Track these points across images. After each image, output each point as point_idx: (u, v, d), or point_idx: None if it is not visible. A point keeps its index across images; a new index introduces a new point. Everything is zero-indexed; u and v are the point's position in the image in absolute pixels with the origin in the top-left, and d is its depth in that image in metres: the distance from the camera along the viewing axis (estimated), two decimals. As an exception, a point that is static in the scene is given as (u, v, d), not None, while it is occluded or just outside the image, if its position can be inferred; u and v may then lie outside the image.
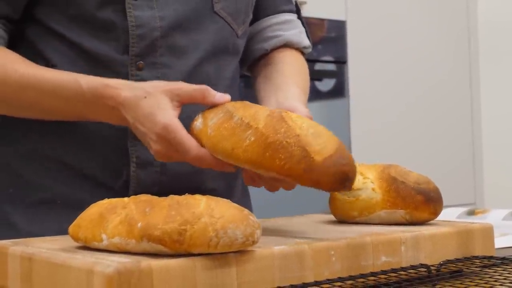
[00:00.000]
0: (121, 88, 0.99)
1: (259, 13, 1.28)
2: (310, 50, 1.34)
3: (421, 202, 0.95)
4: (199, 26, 1.15)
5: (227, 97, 0.95)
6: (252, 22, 1.28)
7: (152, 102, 0.96)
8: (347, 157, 0.83)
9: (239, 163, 0.86)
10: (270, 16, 1.30)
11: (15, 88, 1.05)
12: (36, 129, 1.14)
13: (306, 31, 1.34)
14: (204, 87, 0.97)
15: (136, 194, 1.07)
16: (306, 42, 1.32)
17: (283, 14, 1.31)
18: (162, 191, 1.04)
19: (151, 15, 1.10)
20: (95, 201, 0.83)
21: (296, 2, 1.34)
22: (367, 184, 0.97)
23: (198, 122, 0.94)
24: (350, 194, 0.98)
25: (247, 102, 0.92)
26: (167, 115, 0.94)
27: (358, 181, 0.98)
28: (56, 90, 1.04)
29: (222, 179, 1.23)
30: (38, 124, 1.13)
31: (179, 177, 1.14)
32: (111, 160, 1.12)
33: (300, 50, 1.32)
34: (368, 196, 0.97)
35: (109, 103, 1.00)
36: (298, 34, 1.31)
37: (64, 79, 1.04)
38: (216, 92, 0.96)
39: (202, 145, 0.92)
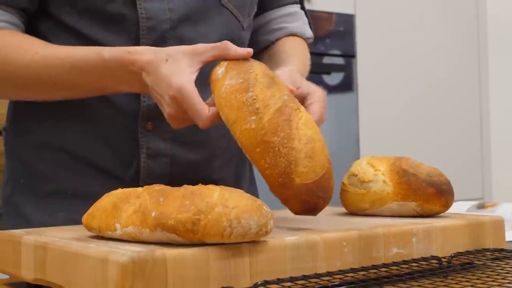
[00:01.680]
0: (143, 52, 0.98)
1: (265, 6, 1.30)
2: (312, 40, 1.36)
3: (432, 195, 0.95)
4: (207, 19, 1.15)
5: (249, 50, 0.93)
6: (257, 15, 1.30)
7: (171, 65, 0.95)
8: (325, 189, 0.83)
9: (234, 136, 0.86)
10: (276, 9, 1.33)
11: (37, 69, 1.05)
12: (47, 121, 1.15)
13: (309, 21, 1.38)
14: (225, 41, 0.95)
15: (146, 184, 1.08)
16: (309, 33, 1.35)
17: (288, 6, 1.34)
18: (171, 182, 1.05)
19: (161, 7, 1.11)
20: (105, 192, 0.83)
21: None
22: (378, 176, 0.98)
23: (219, 71, 0.91)
24: (361, 186, 0.98)
25: (272, 76, 0.90)
26: (183, 79, 0.93)
27: (369, 173, 0.98)
28: (78, 65, 1.03)
29: (230, 169, 1.24)
30: (49, 116, 1.14)
31: (188, 167, 1.15)
32: (121, 151, 1.13)
33: (303, 39, 1.34)
34: (379, 188, 0.97)
35: (133, 69, 0.98)
36: (301, 25, 1.34)
37: (85, 54, 1.03)
38: (237, 46, 0.94)
39: (212, 92, 0.91)
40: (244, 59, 0.92)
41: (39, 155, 1.16)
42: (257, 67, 0.90)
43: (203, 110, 0.92)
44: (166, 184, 0.85)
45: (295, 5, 1.36)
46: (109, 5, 1.09)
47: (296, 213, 0.83)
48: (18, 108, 1.19)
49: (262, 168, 0.82)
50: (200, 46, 0.96)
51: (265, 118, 0.83)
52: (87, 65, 1.03)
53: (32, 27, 1.15)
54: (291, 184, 0.81)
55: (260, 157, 0.82)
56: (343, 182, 1.02)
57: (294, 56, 1.24)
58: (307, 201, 0.81)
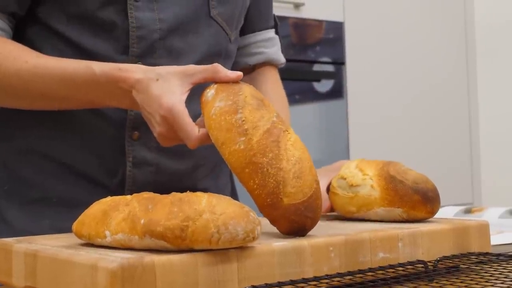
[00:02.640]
0: (134, 70, 1.00)
1: (245, 28, 1.34)
2: (284, 65, 1.43)
3: (418, 202, 0.96)
4: (196, 30, 1.17)
5: (239, 73, 0.95)
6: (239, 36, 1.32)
7: (162, 85, 0.96)
8: (314, 209, 0.84)
9: (223, 157, 0.87)
10: (255, 33, 1.37)
11: (27, 79, 1.06)
12: (33, 127, 1.15)
13: (281, 46, 1.43)
14: (215, 64, 0.97)
15: (131, 193, 1.09)
16: (283, 59, 1.41)
17: (266, 31, 1.38)
18: (156, 191, 1.06)
19: (151, 17, 1.12)
20: (90, 200, 0.85)
21: (274, 16, 1.42)
22: (366, 180, 0.99)
23: (209, 93, 0.93)
24: (349, 190, 0.99)
25: (261, 99, 0.91)
26: (174, 99, 0.95)
27: (358, 177, 0.99)
28: (68, 78, 1.04)
29: (213, 179, 1.26)
30: (35, 122, 1.15)
31: (173, 177, 1.16)
32: (107, 159, 1.13)
33: (277, 65, 1.41)
34: (367, 193, 0.98)
35: (123, 86, 1.00)
36: (277, 51, 1.40)
37: (75, 67, 1.04)
38: (226, 69, 0.96)
39: (202, 114, 0.93)
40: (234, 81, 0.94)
41: (24, 162, 1.16)
42: (246, 89, 0.92)
43: (193, 131, 0.93)
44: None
45: (272, 29, 1.40)
46: (100, 12, 1.10)
47: (284, 233, 0.84)
48: (2, 114, 1.20)
49: (251, 188, 0.83)
50: (191, 68, 0.98)
51: (254, 139, 0.84)
52: (77, 78, 1.04)
53: (18, 31, 1.15)
54: (280, 204, 0.82)
55: (248, 177, 0.83)
56: (332, 185, 1.03)
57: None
58: (295, 221, 0.82)
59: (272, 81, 1.37)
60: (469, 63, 3.71)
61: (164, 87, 0.96)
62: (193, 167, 1.19)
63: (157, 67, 0.99)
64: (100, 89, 1.03)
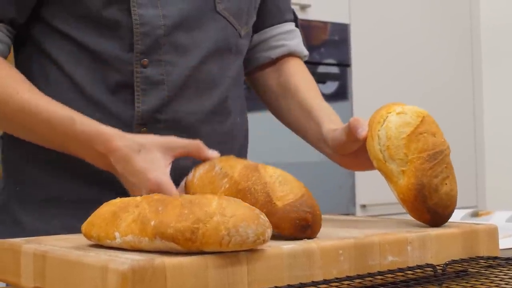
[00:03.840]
0: (114, 138, 1.02)
1: (264, 22, 1.33)
2: (307, 58, 1.42)
3: (425, 219, 0.95)
4: (201, 25, 1.17)
5: (217, 153, 1.02)
6: (256, 31, 1.32)
7: (146, 157, 1.00)
8: (310, 205, 0.86)
9: None
10: (274, 26, 1.36)
11: (14, 109, 1.08)
12: None
13: (302, 39, 1.42)
14: (197, 142, 1.02)
15: None
16: (306, 51, 1.40)
17: (285, 24, 1.38)
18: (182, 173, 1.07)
19: (155, 13, 1.12)
20: (100, 200, 0.85)
21: (293, 10, 1.41)
22: (403, 161, 0.95)
23: (190, 175, 0.99)
24: (383, 150, 0.96)
25: (232, 157, 1.00)
26: (160, 173, 0.98)
27: (399, 154, 0.95)
28: (51, 122, 1.06)
29: None
30: None
31: (181, 174, 1.15)
32: None
33: (301, 57, 1.40)
34: (395, 170, 0.95)
35: (100, 149, 1.03)
36: (299, 43, 1.39)
37: (59, 114, 1.06)
38: (207, 148, 1.02)
39: (190, 194, 0.97)
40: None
41: (33, 164, 1.16)
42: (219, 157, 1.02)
43: None
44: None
45: (292, 22, 1.39)
46: (104, 11, 1.11)
47: (290, 234, 0.84)
48: None
49: None
50: (173, 141, 1.03)
51: (235, 174, 0.90)
52: (59, 127, 1.06)
53: (25, 32, 1.16)
54: (275, 209, 0.84)
55: None
56: (374, 126, 0.99)
57: (318, 99, 1.31)
58: (295, 218, 0.84)
59: (300, 72, 1.36)
60: (474, 65, 3.71)
61: (147, 160, 0.99)
62: None
63: (138, 137, 1.03)
64: (78, 144, 1.05)
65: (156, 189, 0.97)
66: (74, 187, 1.14)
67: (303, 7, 3.02)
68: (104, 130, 1.04)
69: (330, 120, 1.21)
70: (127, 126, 1.12)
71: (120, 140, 1.02)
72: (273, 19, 1.36)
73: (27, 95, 1.07)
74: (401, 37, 3.41)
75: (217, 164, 0.96)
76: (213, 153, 1.02)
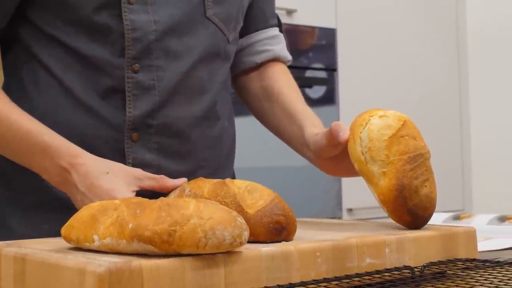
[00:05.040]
0: (84, 156, 1.05)
1: (249, 27, 1.34)
2: (290, 63, 1.43)
3: (405, 221, 0.96)
4: (192, 31, 1.18)
5: (183, 179, 1.04)
6: (242, 36, 1.33)
7: (112, 179, 1.01)
8: (281, 208, 0.87)
9: None
10: (260, 31, 1.37)
11: None
12: None
13: (286, 44, 1.43)
14: (160, 176, 1.05)
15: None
16: (289, 56, 1.41)
17: (271, 29, 1.39)
18: (156, 193, 1.07)
19: (146, 19, 1.13)
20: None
21: (277, 15, 1.42)
22: (384, 162, 0.95)
23: None
24: (365, 151, 0.97)
25: (200, 178, 1.00)
26: (126, 194, 1.00)
27: (380, 155, 0.96)
28: (20, 131, 1.07)
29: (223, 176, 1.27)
30: None
31: (175, 177, 1.16)
32: None
33: (285, 62, 1.41)
34: (376, 171, 0.96)
35: (63, 164, 1.04)
36: (283, 49, 1.40)
37: (30, 125, 1.08)
38: (171, 179, 1.05)
39: None
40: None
41: (23, 167, 1.16)
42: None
43: None
44: (150, 195, 0.87)
45: (276, 28, 1.40)
46: (95, 16, 1.11)
47: (266, 239, 0.85)
48: None
49: None
50: (139, 173, 1.05)
51: (204, 192, 0.93)
52: (27, 135, 1.07)
53: (14, 35, 1.16)
54: (247, 217, 0.85)
55: None
56: (355, 129, 1.00)
57: (301, 103, 1.31)
58: (268, 222, 0.85)
59: (284, 77, 1.37)
60: (461, 70, 3.73)
61: (113, 182, 1.01)
62: (194, 168, 1.20)
63: (108, 161, 1.05)
64: (41, 156, 1.06)
65: None
66: (64, 192, 1.14)
67: (290, 12, 3.03)
68: (75, 147, 1.06)
69: (312, 124, 1.22)
70: (118, 131, 1.13)
71: (89, 159, 1.04)
72: (258, 24, 1.37)
73: (1, 105, 1.08)
74: (388, 42, 3.42)
75: (186, 187, 0.99)
76: (179, 180, 1.04)
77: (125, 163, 1.13)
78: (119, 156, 1.13)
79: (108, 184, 1.00)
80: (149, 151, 1.14)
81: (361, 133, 0.98)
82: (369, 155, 0.96)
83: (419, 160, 0.96)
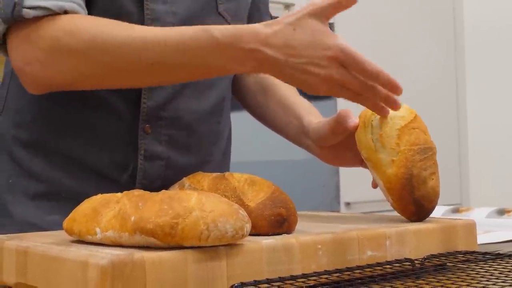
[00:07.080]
0: (259, 28, 0.96)
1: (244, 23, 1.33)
2: None
3: (409, 211, 0.96)
4: (204, 25, 1.17)
5: None
6: None
7: (306, 30, 0.95)
8: (282, 200, 0.88)
9: None
10: None
11: (138, 46, 0.99)
12: (42, 120, 1.14)
13: None
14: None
15: (142, 186, 1.10)
16: None
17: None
18: (165, 184, 1.07)
19: (165, 9, 1.12)
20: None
21: (270, 14, 1.42)
22: (395, 151, 0.96)
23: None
24: (375, 139, 0.98)
25: (200, 172, 1.01)
26: (332, 37, 0.96)
27: (391, 142, 0.97)
28: (184, 43, 0.98)
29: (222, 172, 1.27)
30: (44, 115, 1.14)
31: (181, 171, 1.16)
32: (118, 154, 1.13)
33: None
34: (385, 159, 0.96)
35: (249, 46, 0.95)
36: None
37: (190, 32, 0.98)
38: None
39: None
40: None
41: (31, 155, 1.15)
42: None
43: (368, 60, 0.99)
44: (160, 187, 0.87)
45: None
46: (118, 1, 1.10)
47: (267, 232, 0.86)
48: (10, 106, 1.18)
49: None
50: (316, 6, 0.97)
51: (205, 187, 0.94)
52: (193, 43, 0.97)
53: None
54: (249, 210, 0.85)
55: None
56: (365, 116, 1.01)
57: (297, 96, 1.30)
58: (270, 215, 0.86)
59: None
60: (458, 66, 3.73)
61: (308, 33, 0.95)
62: (201, 162, 1.20)
63: (280, 19, 0.96)
64: (221, 51, 0.97)
65: (340, 54, 0.95)
66: (72, 181, 1.13)
67: (287, 6, 3.03)
68: (244, 26, 0.97)
69: (310, 113, 1.22)
70: (131, 122, 1.12)
71: (266, 27, 0.95)
72: (252, 20, 1.36)
73: (141, 29, 1.01)
74: (386, 37, 3.42)
75: (186, 182, 0.99)
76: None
77: (136, 156, 1.13)
78: (131, 148, 1.13)
79: (306, 36, 0.94)
80: (160, 143, 1.14)
81: (372, 120, 1.00)
82: (379, 143, 0.97)
83: (428, 153, 0.97)
